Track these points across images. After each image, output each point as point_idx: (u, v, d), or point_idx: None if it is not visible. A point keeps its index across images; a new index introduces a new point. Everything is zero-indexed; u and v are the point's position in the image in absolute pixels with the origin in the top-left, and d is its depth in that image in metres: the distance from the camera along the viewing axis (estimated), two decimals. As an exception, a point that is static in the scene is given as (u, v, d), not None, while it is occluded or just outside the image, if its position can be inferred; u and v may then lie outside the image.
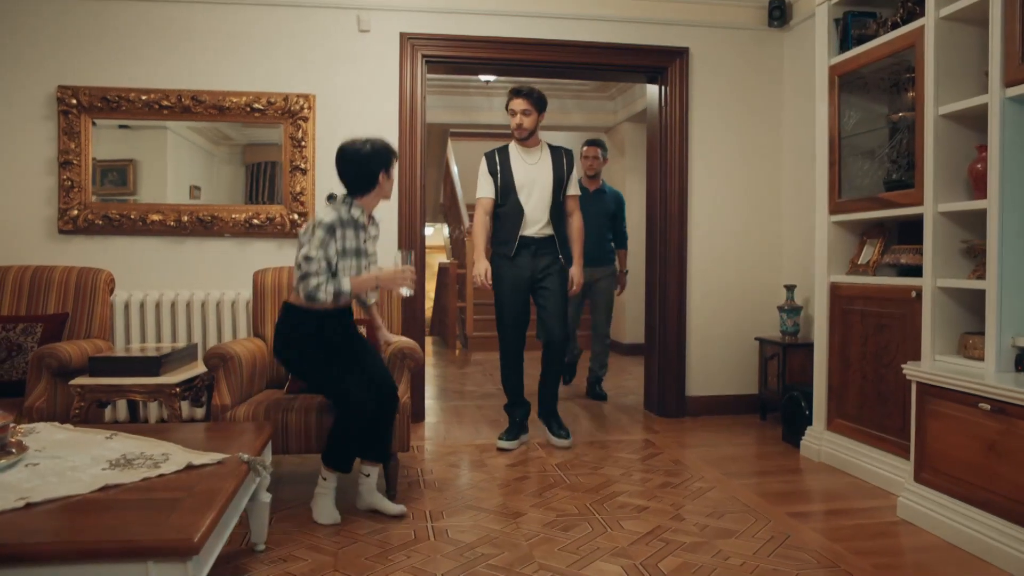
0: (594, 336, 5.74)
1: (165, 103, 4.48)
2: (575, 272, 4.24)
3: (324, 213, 2.99)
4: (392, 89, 4.73)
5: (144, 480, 1.98)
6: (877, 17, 3.69)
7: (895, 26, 3.45)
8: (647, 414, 5.15)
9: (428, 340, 10.90)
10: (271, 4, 4.56)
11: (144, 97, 4.46)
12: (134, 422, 3.83)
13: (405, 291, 3.05)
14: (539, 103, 4.18)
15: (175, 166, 4.69)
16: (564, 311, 4.20)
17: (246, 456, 2.17)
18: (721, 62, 5.03)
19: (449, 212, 11.82)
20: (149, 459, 2.15)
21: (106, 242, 4.48)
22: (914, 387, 3.04)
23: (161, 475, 2.02)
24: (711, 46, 5.01)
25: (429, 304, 11.68)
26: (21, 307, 3.72)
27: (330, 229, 2.95)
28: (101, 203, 4.48)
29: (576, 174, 4.31)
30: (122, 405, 4.24)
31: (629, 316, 8.33)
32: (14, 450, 2.13)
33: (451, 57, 4.87)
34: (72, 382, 3.12)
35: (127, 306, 4.38)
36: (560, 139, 11.56)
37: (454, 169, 11.19)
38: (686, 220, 5.01)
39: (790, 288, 4.72)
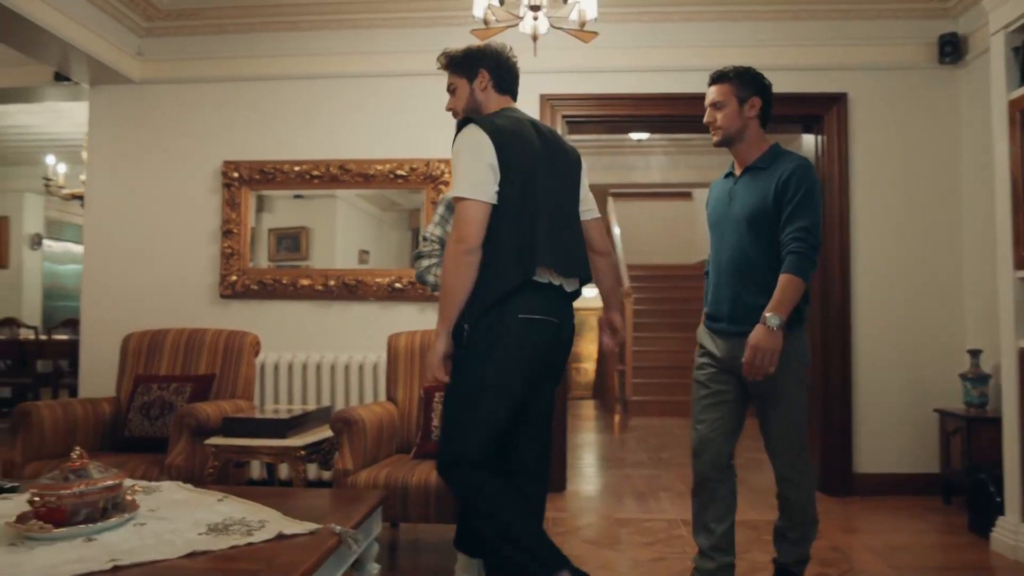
0: (784, 492, 2.80)
1: (315, 173, 4.69)
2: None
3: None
4: (532, 151, 4.71)
5: (232, 548, 1.94)
6: (1065, 43, 3.23)
7: (1086, 51, 3.00)
8: (809, 492, 4.67)
9: (590, 403, 10.74)
10: (413, 74, 4.70)
11: (297, 168, 4.71)
12: (268, 482, 3.91)
13: None
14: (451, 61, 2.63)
15: (344, 232, 4.90)
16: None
17: (338, 528, 2.09)
18: (884, 106, 4.62)
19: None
20: (246, 526, 2.12)
21: (260, 306, 4.70)
22: None
23: (250, 543, 1.97)
24: (872, 89, 4.62)
25: (592, 366, 11.48)
26: (177, 367, 3.94)
27: (449, 205, 2.71)
28: (256, 269, 4.74)
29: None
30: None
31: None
32: (127, 509, 2.18)
33: (592, 116, 4.81)
34: (207, 441, 3.23)
35: (276, 367, 4.55)
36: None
37: (616, 230, 11.08)
38: (849, 278, 4.57)
39: (975, 353, 4.16)
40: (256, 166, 4.71)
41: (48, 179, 7.37)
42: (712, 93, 2.72)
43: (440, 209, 2.74)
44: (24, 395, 7.41)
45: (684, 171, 8.37)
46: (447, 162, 4.65)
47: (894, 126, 4.62)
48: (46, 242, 9.55)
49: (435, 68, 4.61)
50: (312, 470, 4.26)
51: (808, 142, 4.86)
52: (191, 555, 1.88)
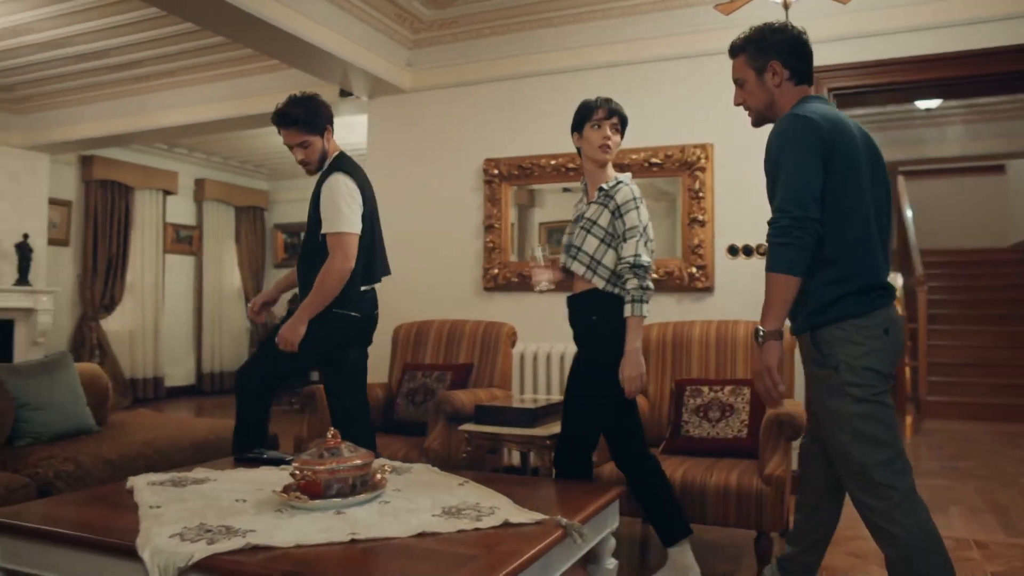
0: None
1: (570, 166, 4.74)
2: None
3: None
4: (796, 129, 4.36)
5: (459, 532, 1.99)
6: None
7: None
8: None
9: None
10: (665, 59, 4.58)
11: (552, 162, 4.79)
12: (521, 470, 4.02)
13: (537, 286, 3.05)
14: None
15: (615, 224, 4.92)
16: None
17: (564, 520, 2.07)
18: None
19: (903, 260, 10.58)
20: (477, 511, 2.17)
21: (518, 298, 4.85)
22: None
23: (477, 528, 2.01)
24: None
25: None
26: (439, 356, 4.18)
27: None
28: (517, 262, 4.89)
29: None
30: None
31: None
32: (375, 487, 2.33)
33: (865, 86, 4.37)
34: (460, 427, 3.38)
35: (535, 357, 4.67)
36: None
37: (907, 213, 9.98)
38: None
39: None
40: (514, 162, 4.87)
41: (345, 186, 8.22)
42: (732, 70, 2.41)
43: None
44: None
45: (990, 140, 7.30)
46: (703, 147, 4.46)
47: None
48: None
49: (685, 51, 4.43)
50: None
51: None
52: (420, 535, 1.96)
